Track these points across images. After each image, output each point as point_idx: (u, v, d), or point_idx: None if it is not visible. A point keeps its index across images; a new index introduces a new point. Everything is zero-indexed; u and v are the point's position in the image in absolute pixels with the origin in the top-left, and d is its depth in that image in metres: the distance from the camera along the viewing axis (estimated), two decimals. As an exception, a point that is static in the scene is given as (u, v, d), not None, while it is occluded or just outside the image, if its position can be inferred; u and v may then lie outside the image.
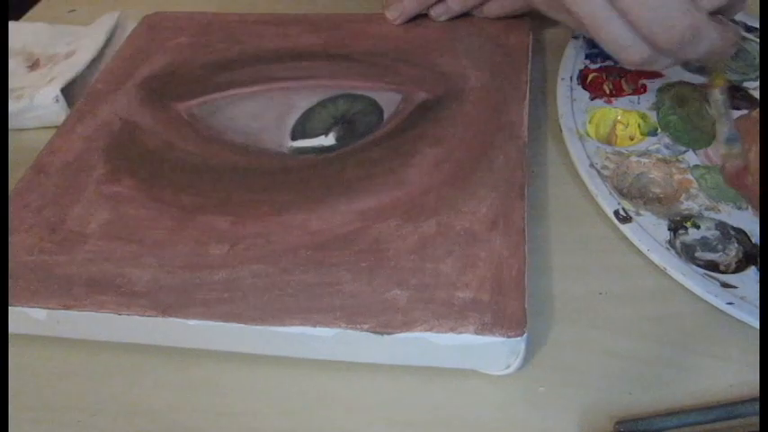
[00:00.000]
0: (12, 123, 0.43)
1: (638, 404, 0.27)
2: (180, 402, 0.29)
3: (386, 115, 0.39)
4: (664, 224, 0.32)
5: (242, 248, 0.31)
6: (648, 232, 0.32)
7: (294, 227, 0.32)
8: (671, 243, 0.32)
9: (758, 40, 0.43)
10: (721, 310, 0.29)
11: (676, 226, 0.32)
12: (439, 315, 0.27)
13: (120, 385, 0.30)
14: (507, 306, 0.28)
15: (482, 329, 0.27)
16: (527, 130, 0.36)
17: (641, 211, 0.33)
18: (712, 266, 0.31)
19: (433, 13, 0.45)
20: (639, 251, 0.32)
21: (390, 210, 0.32)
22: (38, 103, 0.43)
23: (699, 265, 0.31)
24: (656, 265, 0.31)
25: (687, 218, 0.33)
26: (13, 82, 0.45)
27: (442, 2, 0.45)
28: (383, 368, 0.29)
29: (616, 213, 0.33)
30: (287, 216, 0.33)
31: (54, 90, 0.43)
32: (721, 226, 0.32)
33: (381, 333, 0.27)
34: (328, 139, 0.38)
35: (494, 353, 0.27)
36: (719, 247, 0.32)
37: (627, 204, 0.33)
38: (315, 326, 0.28)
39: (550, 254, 0.33)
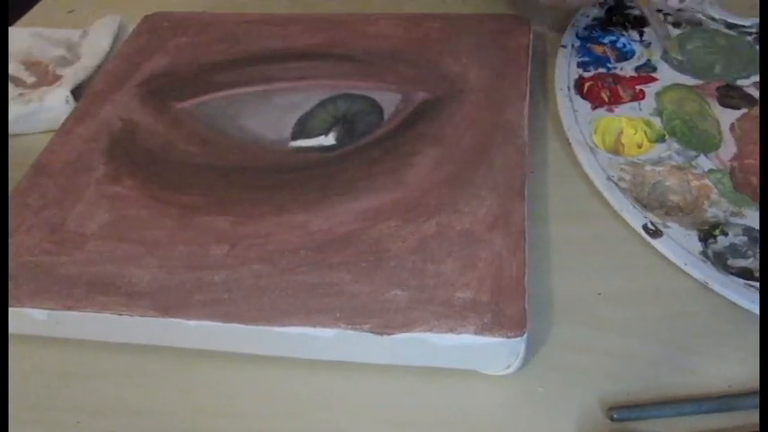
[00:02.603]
0: (21, 127, 0.43)
1: (637, 404, 0.27)
2: (180, 403, 0.29)
3: (386, 115, 0.39)
4: (693, 235, 0.31)
5: (242, 249, 0.31)
6: (681, 245, 0.31)
7: (294, 227, 0.32)
8: (705, 254, 0.31)
9: (737, 34, 0.43)
10: (721, 311, 0.29)
11: (705, 235, 0.31)
12: (439, 315, 0.27)
13: (120, 386, 0.30)
14: (507, 306, 0.28)
15: (482, 330, 0.27)
16: (527, 131, 0.36)
17: (668, 223, 0.32)
18: (747, 274, 0.30)
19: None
20: (639, 251, 0.32)
21: (390, 210, 0.32)
22: (48, 105, 0.43)
23: (733, 274, 0.30)
24: (658, 266, 0.31)
25: (715, 226, 0.32)
26: (16, 86, 0.45)
27: None
28: (383, 368, 0.29)
29: (645, 228, 0.32)
30: (287, 216, 0.33)
31: (64, 91, 0.43)
32: (748, 231, 0.31)
33: (381, 333, 0.27)
34: (328, 139, 0.38)
35: (494, 353, 0.27)
36: (749, 252, 0.31)
37: (652, 217, 0.32)
38: (315, 326, 0.28)
39: (550, 254, 0.33)
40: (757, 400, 0.26)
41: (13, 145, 0.42)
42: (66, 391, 0.30)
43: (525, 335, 0.27)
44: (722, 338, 0.29)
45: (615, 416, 0.26)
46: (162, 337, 0.30)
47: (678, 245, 0.31)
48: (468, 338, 0.27)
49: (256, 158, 0.37)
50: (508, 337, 0.27)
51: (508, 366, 0.28)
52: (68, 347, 0.31)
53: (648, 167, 0.35)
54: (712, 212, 0.32)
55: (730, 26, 0.44)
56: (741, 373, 0.28)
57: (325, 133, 0.38)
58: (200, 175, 0.36)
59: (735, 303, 0.29)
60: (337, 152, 0.37)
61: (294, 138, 0.38)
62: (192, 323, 0.28)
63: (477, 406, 0.28)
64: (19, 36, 0.49)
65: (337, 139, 0.38)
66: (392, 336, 0.27)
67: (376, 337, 0.27)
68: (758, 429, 0.25)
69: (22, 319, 0.30)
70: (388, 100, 0.40)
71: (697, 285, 0.30)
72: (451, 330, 0.27)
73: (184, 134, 0.39)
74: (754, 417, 0.26)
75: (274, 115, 0.40)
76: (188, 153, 0.37)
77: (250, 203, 0.34)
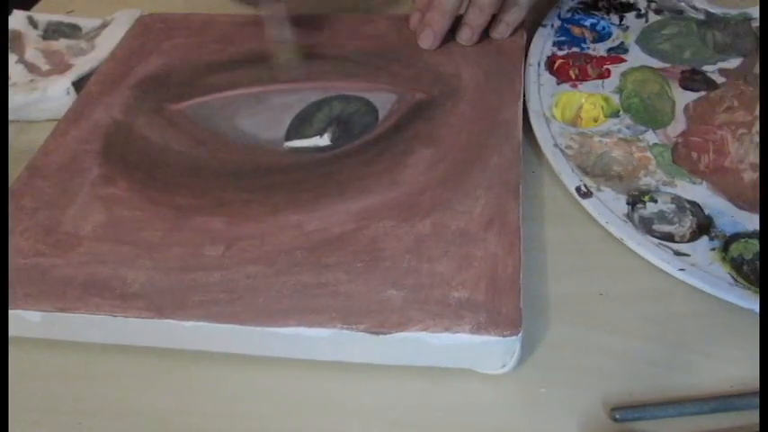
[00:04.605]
0: (26, 115, 0.43)
1: (639, 404, 0.27)
2: (179, 404, 0.29)
3: (381, 115, 0.39)
4: (622, 199, 0.34)
5: (237, 249, 0.31)
6: (607, 206, 0.33)
7: (289, 227, 0.32)
8: (629, 216, 0.33)
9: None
10: (722, 312, 0.30)
11: (634, 200, 0.34)
12: (434, 315, 0.27)
13: (119, 387, 0.30)
14: (502, 306, 0.28)
15: (477, 329, 0.27)
16: (521, 130, 0.36)
17: (602, 187, 0.34)
18: (668, 238, 0.32)
19: (461, 38, 0.43)
20: (638, 251, 0.32)
21: (386, 210, 0.32)
22: (50, 95, 0.43)
23: (655, 237, 0.32)
24: (657, 267, 0.31)
25: (645, 192, 0.34)
26: (29, 72, 0.46)
27: (466, 25, 0.42)
28: (380, 368, 0.29)
29: (578, 189, 0.34)
30: (282, 217, 0.33)
31: (66, 82, 0.43)
32: (677, 199, 0.34)
33: (377, 333, 0.27)
34: (323, 140, 0.38)
35: (489, 352, 0.28)
36: (675, 219, 0.33)
37: (588, 181, 0.35)
38: (311, 326, 0.28)
39: (546, 254, 0.33)
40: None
41: (20, 135, 0.43)
42: (66, 392, 0.30)
43: (520, 334, 0.27)
44: (724, 339, 0.29)
45: (618, 416, 0.26)
46: (157, 338, 0.30)
47: (604, 205, 0.34)
48: (463, 338, 0.27)
49: (251, 159, 0.37)
50: (504, 336, 0.27)
51: (504, 365, 0.28)
52: (68, 349, 0.31)
53: (597, 138, 0.37)
54: (646, 181, 0.35)
55: (710, 16, 0.45)
56: (743, 373, 0.28)
57: (321, 134, 0.38)
58: (194, 177, 0.36)
59: (733, 303, 0.29)
60: (332, 153, 0.37)
61: (289, 138, 0.38)
62: (188, 324, 0.28)
63: (479, 407, 0.28)
64: (40, 21, 0.49)
65: (332, 140, 0.38)
66: (388, 335, 0.27)
67: (372, 336, 0.27)
68: (758, 430, 0.25)
69: (16, 321, 0.30)
70: (383, 100, 0.40)
71: (697, 286, 0.30)
72: (447, 329, 0.27)
73: (179, 135, 0.39)
74: (756, 417, 0.26)
75: (269, 116, 0.40)
76: (182, 154, 0.37)
77: (245, 204, 0.34)
